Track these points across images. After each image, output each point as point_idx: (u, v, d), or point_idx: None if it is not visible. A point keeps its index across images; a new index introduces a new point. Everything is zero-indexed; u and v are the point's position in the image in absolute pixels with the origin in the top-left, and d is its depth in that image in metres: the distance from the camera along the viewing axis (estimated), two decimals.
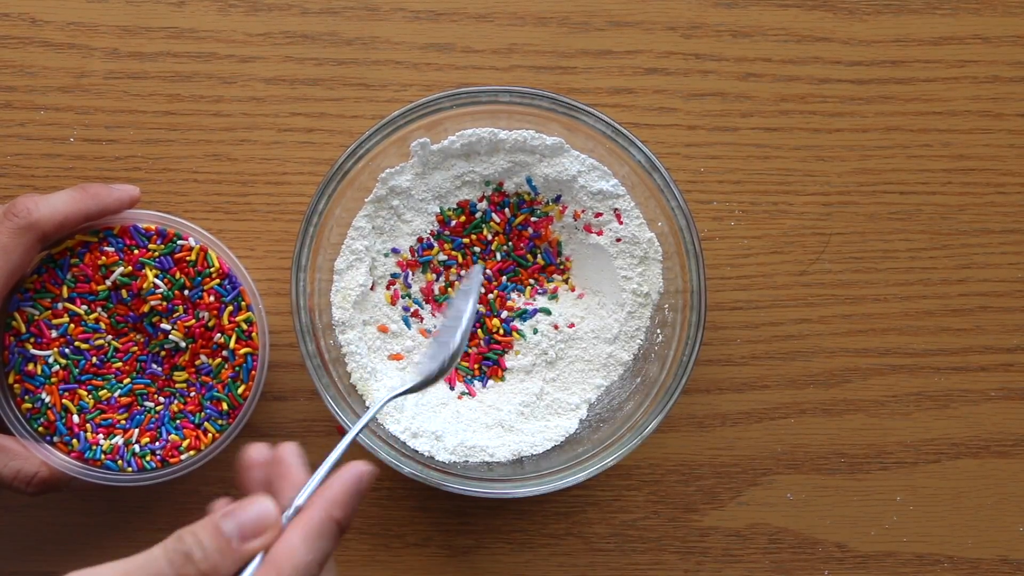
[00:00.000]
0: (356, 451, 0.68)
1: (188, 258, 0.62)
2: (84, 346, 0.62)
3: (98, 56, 0.69)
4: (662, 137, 0.70)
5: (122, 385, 0.63)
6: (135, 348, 0.63)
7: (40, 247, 0.60)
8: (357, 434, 0.54)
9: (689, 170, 0.70)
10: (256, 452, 0.52)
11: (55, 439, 0.62)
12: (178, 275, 0.62)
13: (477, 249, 0.68)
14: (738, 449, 0.69)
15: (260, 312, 0.62)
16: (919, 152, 0.70)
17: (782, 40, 0.70)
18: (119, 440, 0.62)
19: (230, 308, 0.62)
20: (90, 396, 0.62)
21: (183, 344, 0.62)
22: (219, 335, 0.62)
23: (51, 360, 0.62)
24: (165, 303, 0.62)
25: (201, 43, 0.69)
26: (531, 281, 0.68)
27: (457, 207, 0.67)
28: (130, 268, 0.62)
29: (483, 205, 0.67)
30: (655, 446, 0.69)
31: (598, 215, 0.66)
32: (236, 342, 0.62)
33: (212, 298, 0.62)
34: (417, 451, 0.63)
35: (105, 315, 0.62)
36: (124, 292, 0.62)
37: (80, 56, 0.69)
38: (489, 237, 0.67)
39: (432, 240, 0.67)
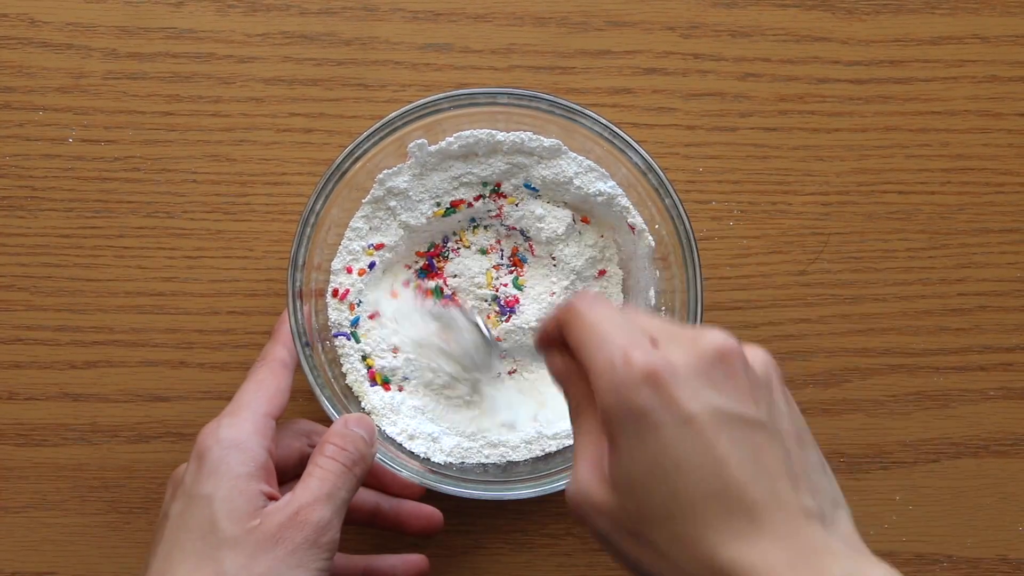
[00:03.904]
0: None
1: None
2: None
3: (97, 57, 0.69)
4: (661, 137, 0.70)
5: None
6: None
7: None
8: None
9: (688, 170, 0.70)
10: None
11: None
12: None
13: None
14: None
15: None
16: (918, 152, 0.70)
17: (781, 40, 0.70)
18: None
19: None
20: None
21: None
22: None
23: None
24: None
25: (200, 43, 0.69)
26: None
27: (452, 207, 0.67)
28: None
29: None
30: None
31: None
32: None
33: None
34: (414, 453, 0.63)
35: None
36: None
37: (79, 57, 0.69)
38: None
39: None
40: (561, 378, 0.48)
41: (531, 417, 0.65)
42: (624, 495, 0.43)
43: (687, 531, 0.42)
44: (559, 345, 0.47)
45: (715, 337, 0.44)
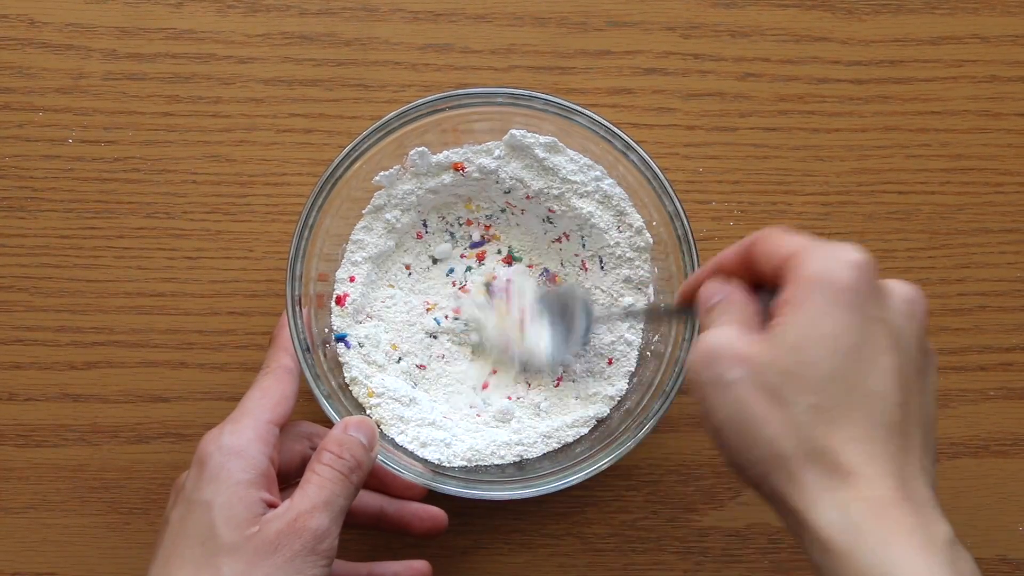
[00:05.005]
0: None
1: None
2: None
3: (96, 57, 0.69)
4: (661, 137, 0.70)
5: None
6: None
7: None
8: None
9: (688, 170, 0.70)
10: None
11: None
12: None
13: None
14: None
15: None
16: (918, 152, 0.70)
17: (781, 40, 0.70)
18: None
19: None
20: None
21: None
22: None
23: None
24: None
25: (200, 44, 0.69)
26: None
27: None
28: None
29: None
30: (654, 446, 0.69)
31: None
32: None
33: None
34: (427, 460, 0.63)
35: None
36: None
37: (78, 57, 0.69)
38: None
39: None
40: (713, 302, 0.49)
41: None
42: (786, 351, 0.45)
43: (831, 410, 0.44)
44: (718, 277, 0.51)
45: (911, 289, 0.47)
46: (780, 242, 0.48)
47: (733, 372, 0.45)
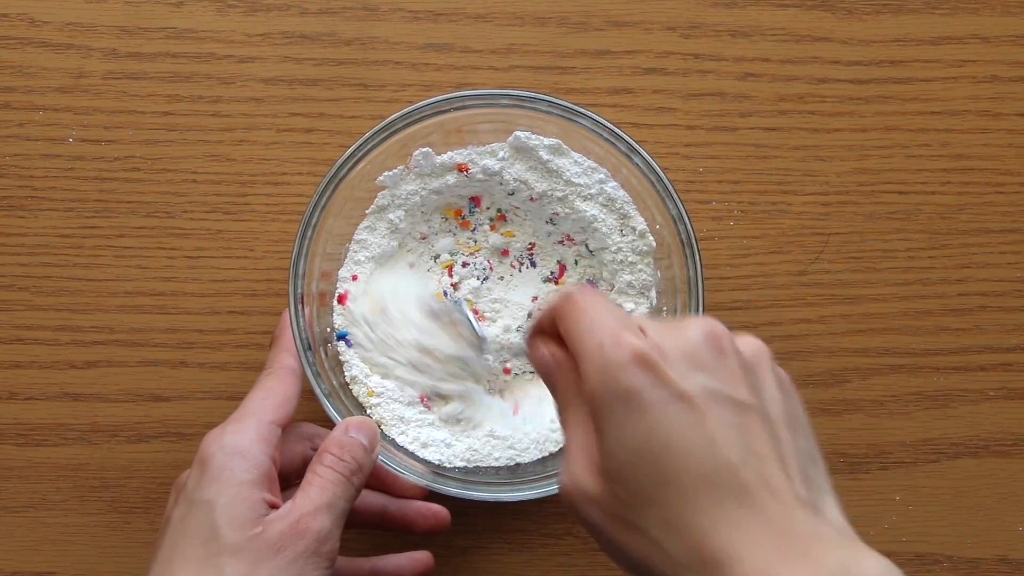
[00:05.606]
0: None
1: None
2: None
3: (97, 56, 0.69)
4: (661, 137, 0.70)
5: None
6: None
7: None
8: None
9: (688, 170, 0.70)
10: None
11: None
12: None
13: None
14: None
15: None
16: (918, 152, 0.70)
17: (781, 40, 0.70)
18: None
19: None
20: None
21: None
22: None
23: None
24: None
25: (200, 43, 0.69)
26: None
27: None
28: None
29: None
30: None
31: None
32: None
33: None
34: (428, 460, 0.63)
35: None
36: None
37: (79, 56, 0.69)
38: None
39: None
40: (547, 369, 0.47)
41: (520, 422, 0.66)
42: (614, 482, 0.43)
43: (677, 516, 0.41)
44: (551, 337, 0.47)
45: (702, 322, 0.44)
46: (569, 332, 0.45)
47: (592, 515, 0.44)
